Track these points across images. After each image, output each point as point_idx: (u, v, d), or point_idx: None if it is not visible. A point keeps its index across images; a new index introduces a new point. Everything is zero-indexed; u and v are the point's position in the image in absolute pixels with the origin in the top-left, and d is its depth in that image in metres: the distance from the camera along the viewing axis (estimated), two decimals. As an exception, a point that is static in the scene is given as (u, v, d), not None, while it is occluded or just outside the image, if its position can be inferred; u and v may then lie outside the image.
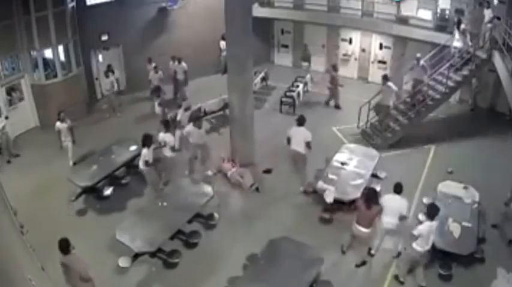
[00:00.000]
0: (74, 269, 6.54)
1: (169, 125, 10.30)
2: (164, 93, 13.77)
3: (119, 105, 14.53)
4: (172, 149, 10.04)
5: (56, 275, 7.34)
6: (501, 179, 10.08)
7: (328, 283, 7.66)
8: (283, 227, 8.98)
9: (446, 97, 12.55)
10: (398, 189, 7.90)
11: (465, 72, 12.15)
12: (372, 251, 8.31)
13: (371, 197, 7.69)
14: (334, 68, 14.61)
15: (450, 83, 12.20)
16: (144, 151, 9.43)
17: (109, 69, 14.06)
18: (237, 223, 9.49)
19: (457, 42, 12.45)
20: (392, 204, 7.78)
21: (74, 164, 11.38)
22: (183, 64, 14.68)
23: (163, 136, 9.98)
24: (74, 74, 13.86)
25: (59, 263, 6.59)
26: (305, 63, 16.63)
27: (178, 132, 11.01)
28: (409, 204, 7.92)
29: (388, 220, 7.83)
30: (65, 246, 6.51)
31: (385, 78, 12.40)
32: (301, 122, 9.86)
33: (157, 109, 12.70)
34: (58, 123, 11.04)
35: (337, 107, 14.77)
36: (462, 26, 12.32)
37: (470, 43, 12.28)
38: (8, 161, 11.70)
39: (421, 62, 12.63)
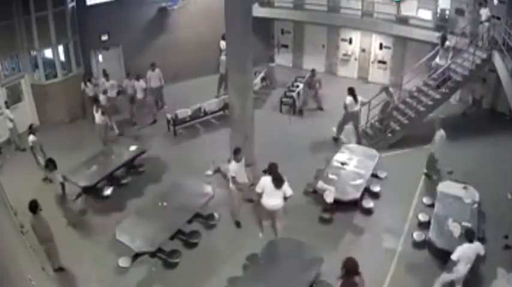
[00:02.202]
0: (39, 229, 7.56)
1: (238, 152, 8.88)
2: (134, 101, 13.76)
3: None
4: (233, 179, 8.91)
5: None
6: (501, 179, 10.09)
7: (327, 283, 7.65)
8: (283, 227, 8.97)
9: (446, 97, 12.56)
10: (471, 236, 7.18)
11: (465, 73, 12.15)
12: None
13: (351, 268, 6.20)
14: (313, 73, 14.65)
15: (450, 84, 12.22)
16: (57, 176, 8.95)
17: (105, 74, 13.97)
18: (237, 223, 9.49)
19: (439, 60, 12.50)
20: (469, 254, 7.05)
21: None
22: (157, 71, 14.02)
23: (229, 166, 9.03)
24: (74, 74, 13.86)
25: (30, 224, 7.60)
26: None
27: None
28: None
29: (463, 268, 7.09)
30: (33, 206, 7.51)
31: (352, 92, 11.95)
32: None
33: (99, 119, 11.76)
34: (32, 137, 10.52)
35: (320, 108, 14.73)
36: (447, 43, 12.34)
37: (450, 61, 12.31)
38: (20, 149, 12.03)
39: (390, 89, 12.62)
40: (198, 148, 12.36)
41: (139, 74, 13.55)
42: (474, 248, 7.08)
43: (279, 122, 13.93)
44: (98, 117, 11.78)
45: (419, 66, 13.38)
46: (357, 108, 12.09)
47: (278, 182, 8.16)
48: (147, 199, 9.78)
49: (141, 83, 13.44)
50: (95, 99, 12.34)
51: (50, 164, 9.06)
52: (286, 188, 8.30)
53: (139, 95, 13.54)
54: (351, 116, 12.22)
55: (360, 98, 12.09)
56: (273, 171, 8.30)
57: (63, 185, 8.95)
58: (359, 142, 12.17)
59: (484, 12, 11.94)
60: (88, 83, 13.60)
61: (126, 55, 15.69)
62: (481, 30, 12.21)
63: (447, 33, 13.07)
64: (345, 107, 12.03)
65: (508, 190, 10.01)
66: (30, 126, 10.91)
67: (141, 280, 8.04)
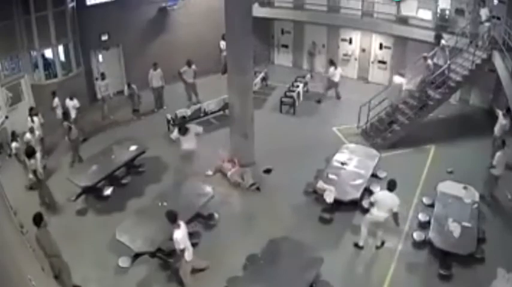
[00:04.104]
0: (42, 244, 7.10)
1: None
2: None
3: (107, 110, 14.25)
4: (181, 251, 7.35)
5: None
6: (501, 179, 10.07)
7: (327, 283, 7.66)
8: (283, 227, 8.99)
9: (446, 97, 12.56)
10: (391, 186, 8.06)
11: (465, 72, 12.15)
12: (361, 244, 8.61)
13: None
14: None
15: (450, 83, 12.21)
16: (32, 161, 9.25)
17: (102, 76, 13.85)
18: (237, 223, 9.49)
19: (437, 59, 12.43)
20: (385, 201, 8.00)
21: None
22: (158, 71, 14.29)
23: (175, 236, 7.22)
24: (74, 74, 13.85)
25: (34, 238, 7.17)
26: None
27: None
28: (401, 202, 8.12)
29: (379, 214, 8.09)
30: (38, 220, 7.10)
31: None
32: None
33: (74, 134, 11.12)
34: (15, 144, 10.34)
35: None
36: (442, 42, 12.29)
37: (448, 61, 12.18)
38: (9, 155, 11.74)
39: (429, 61, 12.43)
40: (198, 148, 12.34)
41: (72, 92, 12.72)
42: (390, 196, 7.96)
43: (279, 122, 13.95)
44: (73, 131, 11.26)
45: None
46: (337, 79, 14.75)
47: (181, 130, 10.22)
48: (147, 199, 9.79)
49: (74, 102, 12.56)
50: (65, 114, 11.64)
51: (28, 151, 9.18)
52: (194, 128, 10.46)
53: (72, 115, 12.27)
54: (332, 84, 14.90)
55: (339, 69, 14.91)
56: (178, 124, 10.67)
57: (34, 172, 9.20)
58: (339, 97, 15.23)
59: (484, 13, 11.92)
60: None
61: (126, 55, 15.69)
62: (481, 30, 12.18)
63: (443, 32, 13.02)
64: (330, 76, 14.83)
65: (508, 190, 10.03)
66: (13, 133, 10.69)
67: (141, 280, 8.04)
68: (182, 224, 7.34)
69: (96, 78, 14.22)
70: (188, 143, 10.25)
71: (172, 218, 7.30)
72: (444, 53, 12.35)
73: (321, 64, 17.57)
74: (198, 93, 14.93)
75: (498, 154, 9.40)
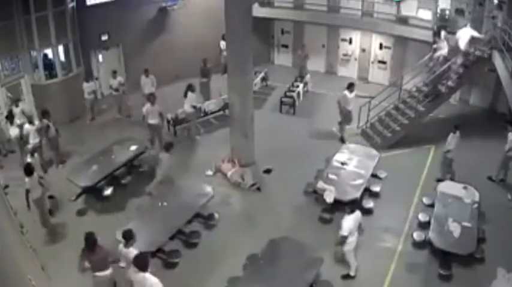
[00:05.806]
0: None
1: None
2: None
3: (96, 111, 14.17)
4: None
5: (56, 275, 7.37)
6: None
7: (327, 283, 7.67)
8: (283, 227, 8.99)
9: (446, 97, 12.56)
10: (352, 209, 7.79)
11: (465, 72, 12.15)
12: (352, 273, 8.02)
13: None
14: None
15: (450, 83, 12.22)
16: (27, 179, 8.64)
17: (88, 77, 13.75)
18: (237, 223, 9.50)
19: (440, 51, 12.42)
20: (356, 223, 7.71)
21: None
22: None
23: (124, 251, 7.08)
24: (74, 74, 13.85)
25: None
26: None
27: None
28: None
29: (353, 239, 7.73)
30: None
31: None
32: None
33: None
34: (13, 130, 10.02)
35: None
36: (443, 33, 12.24)
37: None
38: (5, 155, 11.82)
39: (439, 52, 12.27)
40: (198, 148, 12.37)
41: (32, 116, 11.65)
42: (354, 217, 7.72)
43: (279, 122, 13.95)
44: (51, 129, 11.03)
45: (420, 66, 13.35)
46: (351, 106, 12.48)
47: (185, 93, 12.46)
48: (147, 199, 9.78)
49: (35, 126, 11.02)
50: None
51: (27, 170, 8.71)
52: (192, 96, 12.51)
53: (32, 140, 10.89)
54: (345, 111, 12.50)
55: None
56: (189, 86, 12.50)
57: (27, 192, 8.69)
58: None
59: (501, 15, 11.91)
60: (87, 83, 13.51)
61: (126, 55, 15.69)
62: (495, 32, 12.10)
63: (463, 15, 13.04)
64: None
65: (508, 191, 10.03)
66: (10, 113, 10.54)
67: (141, 280, 8.02)
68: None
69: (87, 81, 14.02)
70: (187, 105, 12.49)
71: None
72: (447, 42, 12.28)
73: (317, 65, 17.57)
74: (162, 140, 11.74)
75: (450, 137, 10.30)
